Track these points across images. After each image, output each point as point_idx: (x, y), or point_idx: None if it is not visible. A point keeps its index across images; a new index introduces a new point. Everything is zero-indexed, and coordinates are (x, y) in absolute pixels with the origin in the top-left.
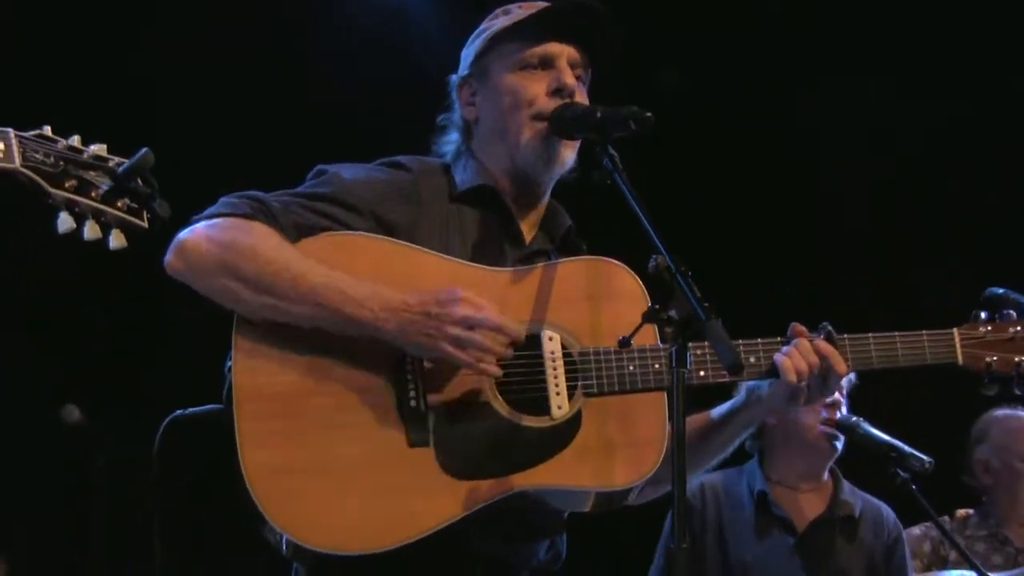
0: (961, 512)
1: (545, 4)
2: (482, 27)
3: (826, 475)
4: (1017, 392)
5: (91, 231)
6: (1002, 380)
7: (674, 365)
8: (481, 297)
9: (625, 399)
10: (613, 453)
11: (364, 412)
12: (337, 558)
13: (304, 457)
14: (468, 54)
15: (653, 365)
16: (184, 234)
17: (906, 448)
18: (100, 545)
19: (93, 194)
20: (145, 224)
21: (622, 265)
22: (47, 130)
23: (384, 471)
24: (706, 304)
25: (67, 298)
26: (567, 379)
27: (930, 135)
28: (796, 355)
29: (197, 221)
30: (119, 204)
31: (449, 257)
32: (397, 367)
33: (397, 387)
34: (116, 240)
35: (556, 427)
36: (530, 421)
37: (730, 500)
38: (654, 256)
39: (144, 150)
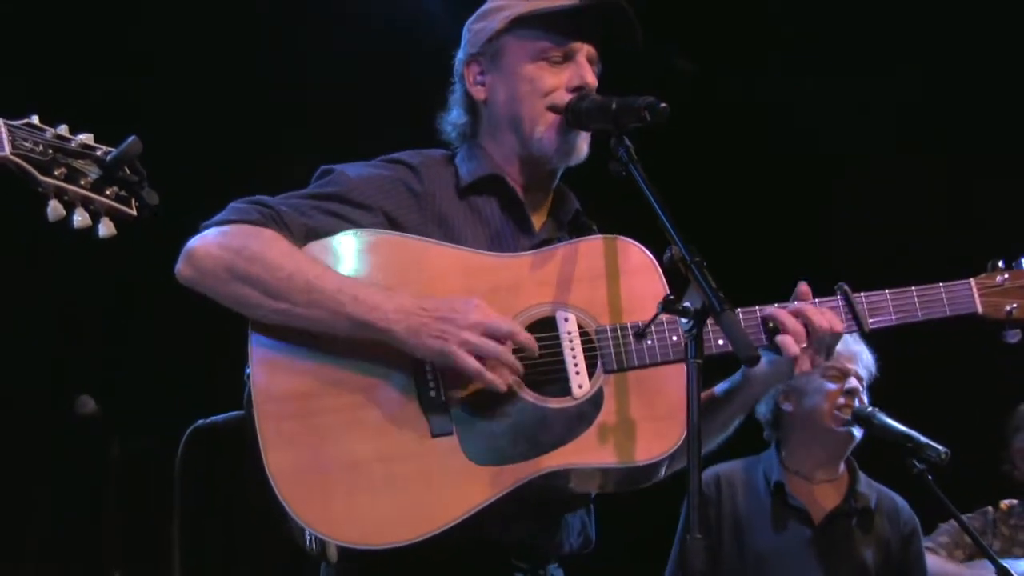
0: (1004, 503)
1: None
2: (495, 5)
3: (842, 466)
4: None
5: (80, 219)
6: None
7: (691, 356)
8: (496, 282)
9: (646, 373)
10: (637, 429)
11: (384, 406)
12: (367, 552)
13: (327, 454)
14: (479, 31)
15: (671, 337)
16: (194, 242)
17: (922, 438)
18: (114, 536)
19: (82, 182)
20: (134, 212)
21: (632, 241)
22: (35, 119)
23: (409, 463)
24: (721, 295)
25: (83, 290)
26: (586, 358)
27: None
28: (792, 326)
29: (206, 228)
30: (108, 192)
31: (461, 247)
32: (415, 359)
33: (416, 379)
34: (105, 228)
35: (578, 406)
36: (552, 402)
37: (746, 490)
38: (669, 247)
39: (132, 138)
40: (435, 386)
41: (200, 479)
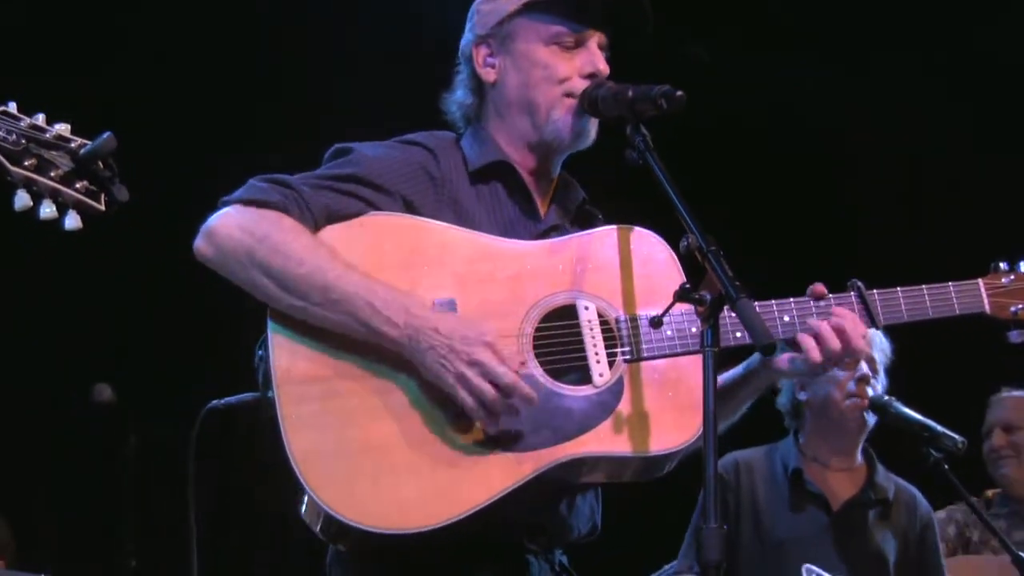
0: (989, 492)
1: None
2: None
3: (859, 456)
4: None
5: (48, 211)
6: None
7: (707, 344)
8: (517, 269)
9: (665, 364)
10: (657, 418)
11: (406, 391)
12: (384, 536)
13: (349, 438)
14: (489, 12)
15: (690, 329)
16: (214, 220)
17: (938, 427)
18: (131, 524)
19: (52, 174)
20: (103, 207)
21: (650, 232)
22: (12, 107)
23: (432, 448)
24: (737, 283)
25: (101, 280)
26: (606, 347)
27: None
28: (829, 336)
29: (226, 204)
30: (78, 186)
31: (480, 233)
32: None
33: None
34: (72, 221)
35: (599, 395)
36: (573, 390)
37: (765, 477)
38: (686, 236)
39: (107, 134)
40: None
41: (215, 460)
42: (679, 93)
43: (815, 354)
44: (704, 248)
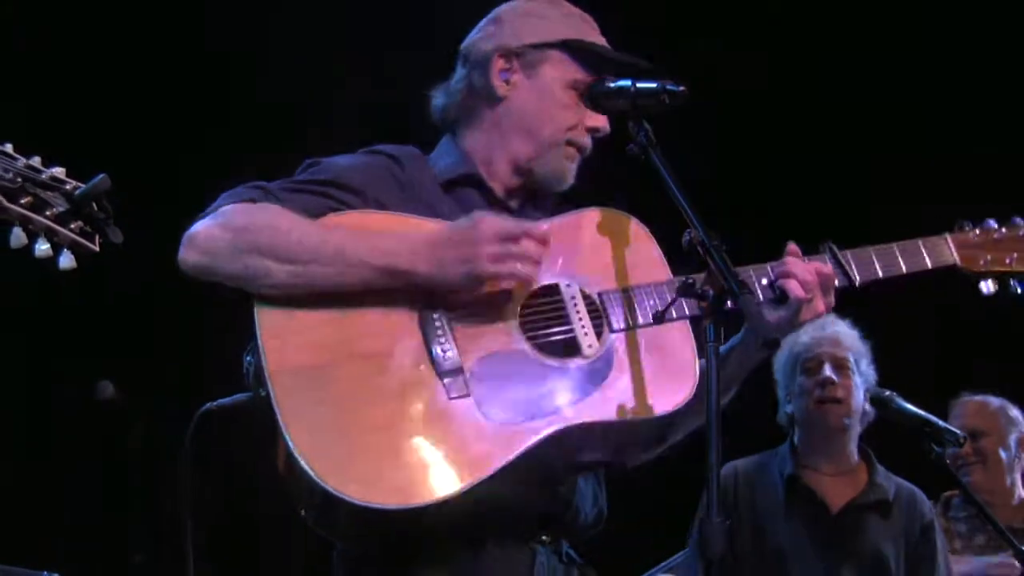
0: (947, 494)
1: (624, 55)
2: (538, 9)
3: (855, 458)
4: (1017, 290)
5: (43, 249)
6: (999, 277)
7: (710, 340)
8: None
9: (650, 332)
10: (649, 384)
11: (399, 372)
12: (395, 515)
13: (349, 423)
14: (524, 30)
15: (668, 297)
16: (194, 227)
17: (940, 422)
18: (134, 520)
19: (48, 213)
20: (96, 248)
21: (621, 211)
22: (9, 147)
23: (430, 426)
24: (740, 278)
25: (101, 276)
26: (592, 319)
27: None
28: (802, 271)
29: (203, 217)
30: (72, 226)
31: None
32: (425, 324)
33: (427, 343)
34: (67, 260)
35: (591, 364)
36: (563, 363)
37: (762, 484)
38: (688, 230)
39: (101, 175)
40: (448, 349)
41: (212, 462)
42: (681, 88)
43: (798, 290)
44: (707, 243)
